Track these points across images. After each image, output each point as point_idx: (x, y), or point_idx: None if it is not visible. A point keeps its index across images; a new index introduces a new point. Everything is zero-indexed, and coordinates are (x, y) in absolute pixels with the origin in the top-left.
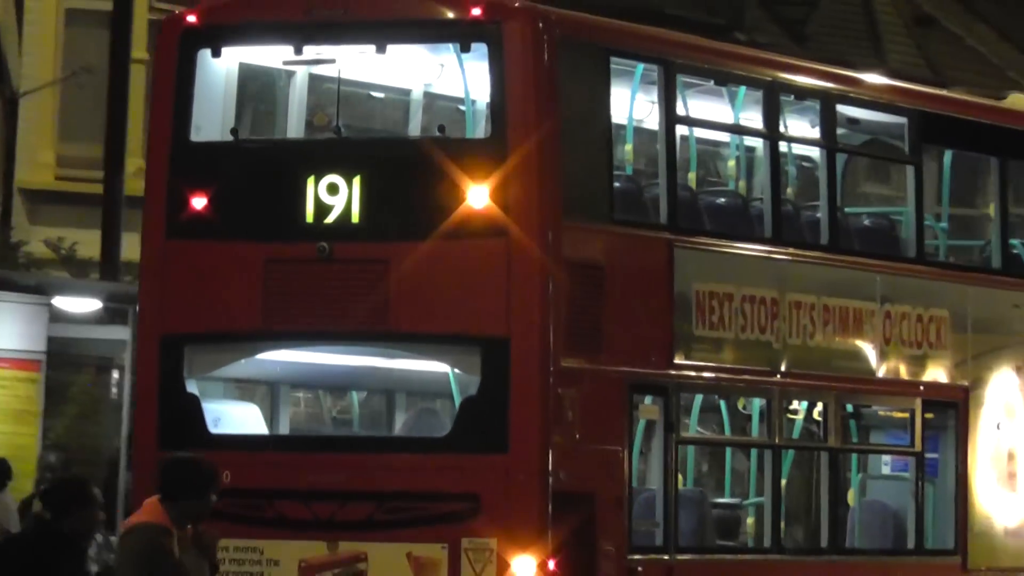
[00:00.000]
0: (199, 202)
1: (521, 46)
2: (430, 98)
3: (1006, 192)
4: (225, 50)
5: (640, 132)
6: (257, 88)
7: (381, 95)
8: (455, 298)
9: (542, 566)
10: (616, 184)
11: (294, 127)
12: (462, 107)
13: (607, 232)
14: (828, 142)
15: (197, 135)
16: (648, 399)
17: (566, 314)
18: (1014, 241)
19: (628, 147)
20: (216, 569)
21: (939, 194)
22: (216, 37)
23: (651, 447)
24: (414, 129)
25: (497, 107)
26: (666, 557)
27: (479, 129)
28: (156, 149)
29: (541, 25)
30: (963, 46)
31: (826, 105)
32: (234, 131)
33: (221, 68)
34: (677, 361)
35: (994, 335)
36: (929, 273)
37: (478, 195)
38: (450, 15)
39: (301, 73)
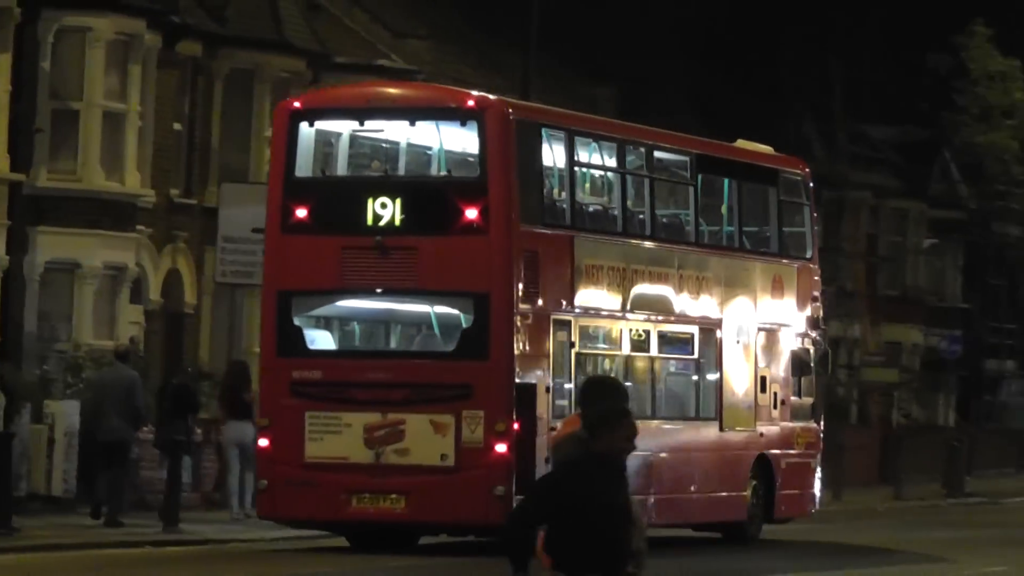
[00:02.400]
0: (301, 212)
1: (495, 124)
2: (442, 150)
3: (742, 199)
4: (316, 123)
5: (556, 170)
6: (324, 144)
7: (413, 148)
8: (457, 269)
9: (508, 426)
10: (544, 202)
11: (341, 166)
12: (459, 156)
13: (540, 232)
14: (649, 172)
15: (299, 172)
16: (560, 328)
17: (519, 279)
18: (747, 229)
19: (552, 179)
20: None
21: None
22: (311, 115)
23: (563, 356)
24: (432, 170)
25: (482, 158)
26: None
27: (471, 170)
28: (274, 180)
29: (508, 111)
30: (344, 27)
31: (648, 151)
32: (322, 170)
33: (310, 131)
34: (576, 306)
35: (735, 287)
36: (701, 251)
37: (471, 209)
38: (454, 105)
39: (344, 135)
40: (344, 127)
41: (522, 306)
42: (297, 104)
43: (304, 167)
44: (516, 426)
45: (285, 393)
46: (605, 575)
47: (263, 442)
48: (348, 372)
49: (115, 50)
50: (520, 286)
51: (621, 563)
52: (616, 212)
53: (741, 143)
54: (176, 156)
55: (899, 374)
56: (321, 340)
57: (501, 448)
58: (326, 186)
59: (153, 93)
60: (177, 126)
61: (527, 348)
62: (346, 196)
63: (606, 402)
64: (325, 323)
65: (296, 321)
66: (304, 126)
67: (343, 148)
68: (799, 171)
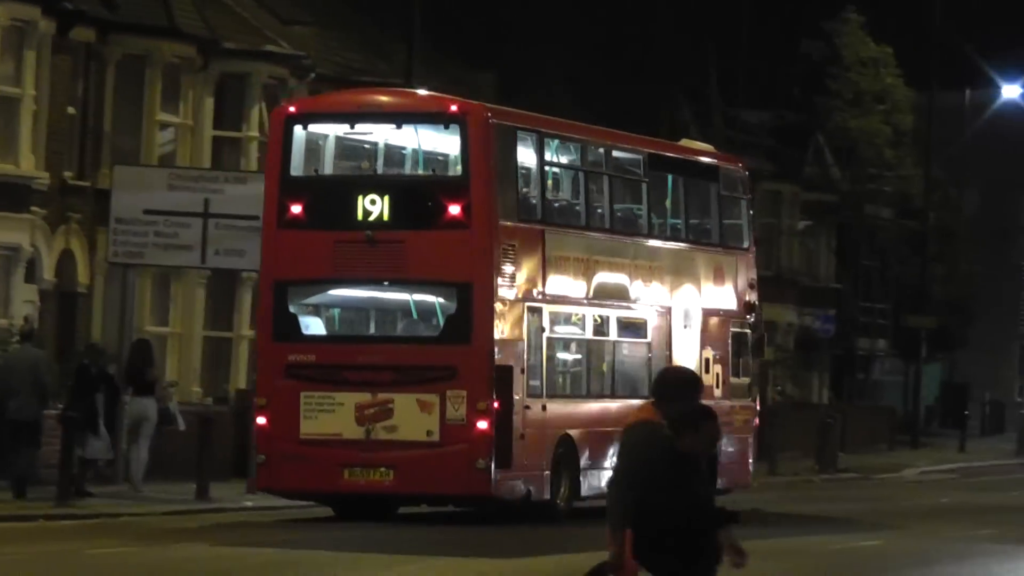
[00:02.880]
0: (296, 208)
1: (476, 127)
2: (426, 152)
3: (688, 194)
4: (309, 126)
5: (528, 169)
6: (317, 145)
7: (399, 150)
8: (442, 261)
9: (489, 405)
10: (518, 199)
11: (328, 165)
12: (442, 157)
13: (515, 226)
14: (607, 170)
15: (294, 171)
16: (533, 314)
17: (498, 270)
18: (692, 221)
19: (525, 177)
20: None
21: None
22: (305, 119)
23: (535, 340)
24: (418, 170)
25: (464, 158)
26: (543, 399)
27: (454, 170)
28: (271, 179)
29: (487, 115)
30: (233, 13)
31: (607, 151)
32: (315, 169)
33: (303, 134)
34: (546, 294)
35: (682, 276)
36: (653, 242)
37: (454, 206)
38: (438, 110)
39: (331, 136)
40: (336, 130)
41: (500, 294)
42: (292, 109)
43: (298, 167)
44: (496, 405)
45: (281, 375)
46: (688, 568)
47: (261, 420)
48: (340, 355)
49: (10, 36)
50: (499, 276)
51: (706, 559)
52: (580, 207)
53: (685, 142)
54: (70, 139)
55: (774, 352)
56: (315, 326)
57: (483, 425)
58: (319, 184)
59: (47, 78)
60: (71, 110)
61: (505, 333)
62: (338, 193)
63: (687, 401)
64: (318, 310)
65: (291, 308)
66: (298, 129)
67: (335, 149)
68: (737, 168)
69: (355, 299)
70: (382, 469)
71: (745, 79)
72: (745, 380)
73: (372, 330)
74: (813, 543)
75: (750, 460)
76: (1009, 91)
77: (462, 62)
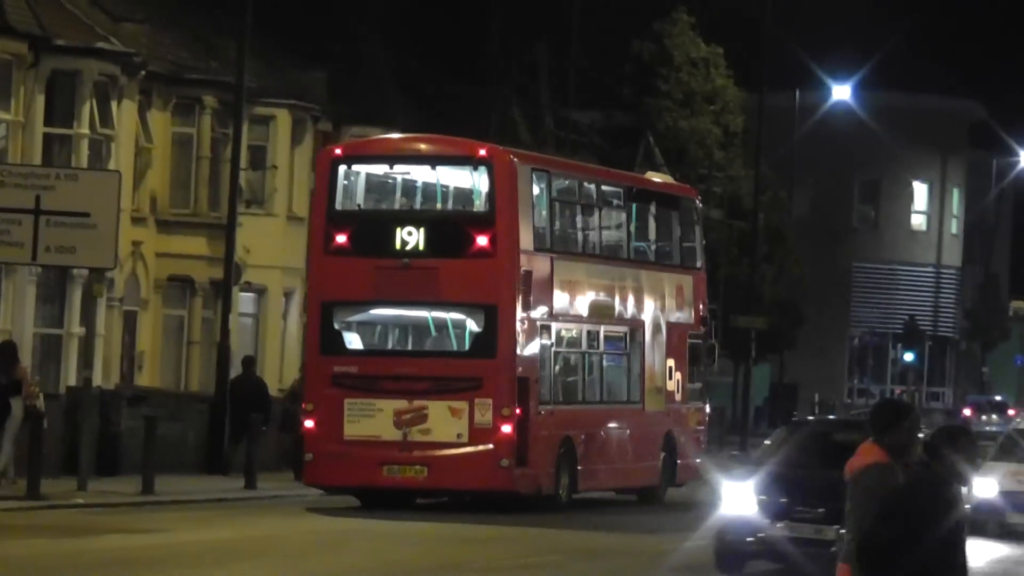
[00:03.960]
0: (341, 238)
1: (501, 169)
2: (456, 189)
3: (657, 221)
4: (353, 166)
5: (541, 203)
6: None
7: (433, 188)
8: (470, 285)
9: (512, 411)
10: (534, 230)
11: (370, 200)
12: (470, 194)
13: (532, 254)
14: (597, 203)
15: (339, 206)
16: (544, 331)
17: (518, 293)
18: (659, 245)
19: (538, 211)
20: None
21: (631, 224)
22: (349, 160)
23: (546, 354)
24: (449, 205)
25: (490, 195)
26: (551, 405)
27: (481, 206)
28: (318, 212)
29: (510, 158)
30: (65, 10)
31: (598, 185)
32: (358, 204)
33: (347, 172)
34: (555, 314)
35: (651, 294)
36: (631, 265)
37: (481, 237)
38: (468, 154)
39: (361, 174)
40: (376, 170)
41: (520, 315)
42: (338, 151)
43: (343, 201)
44: (517, 411)
45: (327, 384)
46: None
47: (309, 423)
48: (380, 367)
49: None
50: (519, 299)
51: None
52: (578, 236)
53: (650, 175)
54: None
55: None
56: (357, 341)
57: (506, 429)
58: (361, 217)
59: None
60: None
61: (523, 348)
62: (378, 225)
63: (900, 429)
64: (360, 327)
65: (336, 326)
66: (343, 168)
67: (376, 187)
68: (692, 197)
69: (393, 318)
70: (417, 467)
71: (575, 79)
72: (699, 385)
73: (408, 345)
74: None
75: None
76: (840, 92)
77: (293, 60)
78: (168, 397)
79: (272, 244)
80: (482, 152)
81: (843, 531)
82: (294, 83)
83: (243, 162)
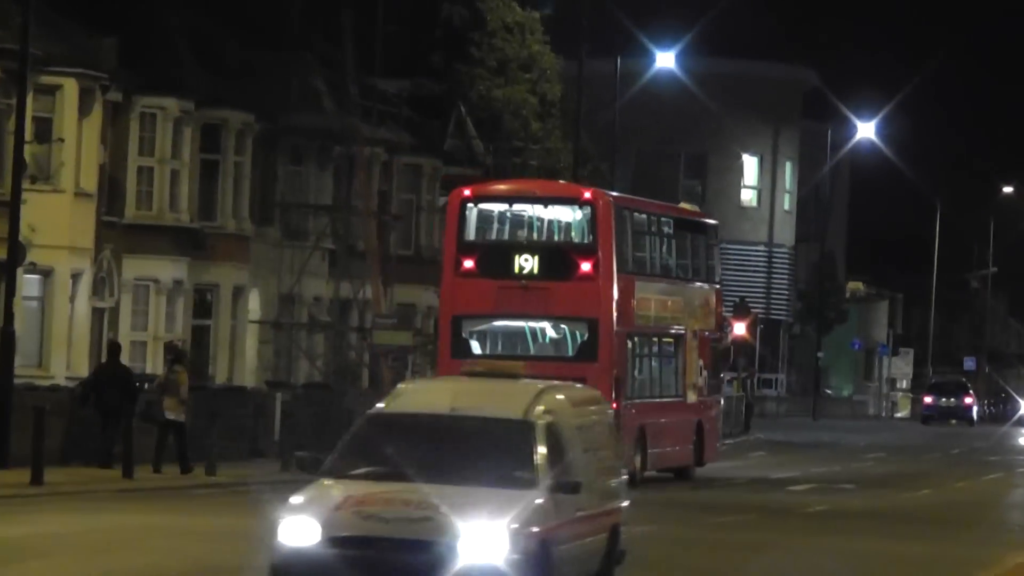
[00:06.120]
0: (468, 263)
1: (601, 207)
2: (564, 223)
3: (693, 245)
4: (479, 205)
5: (626, 234)
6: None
7: (545, 223)
8: (576, 302)
9: (610, 406)
10: (623, 257)
11: (493, 232)
12: (576, 228)
13: (624, 277)
14: (656, 232)
15: (467, 237)
16: (628, 339)
17: (614, 309)
18: (694, 264)
19: (625, 241)
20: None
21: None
22: (476, 200)
23: (630, 358)
24: (559, 237)
25: (592, 229)
26: (636, 400)
27: (585, 238)
28: (450, 242)
29: (608, 199)
30: None
31: (657, 217)
32: (484, 235)
33: (475, 210)
34: (635, 325)
35: (690, 305)
36: (678, 282)
37: (585, 263)
38: (575, 196)
39: (471, 211)
40: (499, 208)
41: (615, 327)
42: (467, 192)
43: (470, 233)
44: (615, 405)
45: None
46: None
47: None
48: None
49: None
50: (614, 313)
51: None
52: (647, 260)
53: (684, 205)
54: None
55: (412, 337)
56: (482, 347)
57: None
58: (486, 246)
59: None
60: None
61: (617, 354)
62: (500, 253)
63: None
64: (485, 336)
65: (464, 335)
66: (470, 206)
67: (498, 221)
68: (713, 222)
69: (512, 328)
70: None
71: (383, 45)
72: (716, 382)
73: (525, 351)
74: None
75: (718, 441)
76: (664, 59)
77: (83, 27)
78: None
79: (59, 222)
80: (587, 195)
81: None
82: (82, 51)
83: (27, 135)
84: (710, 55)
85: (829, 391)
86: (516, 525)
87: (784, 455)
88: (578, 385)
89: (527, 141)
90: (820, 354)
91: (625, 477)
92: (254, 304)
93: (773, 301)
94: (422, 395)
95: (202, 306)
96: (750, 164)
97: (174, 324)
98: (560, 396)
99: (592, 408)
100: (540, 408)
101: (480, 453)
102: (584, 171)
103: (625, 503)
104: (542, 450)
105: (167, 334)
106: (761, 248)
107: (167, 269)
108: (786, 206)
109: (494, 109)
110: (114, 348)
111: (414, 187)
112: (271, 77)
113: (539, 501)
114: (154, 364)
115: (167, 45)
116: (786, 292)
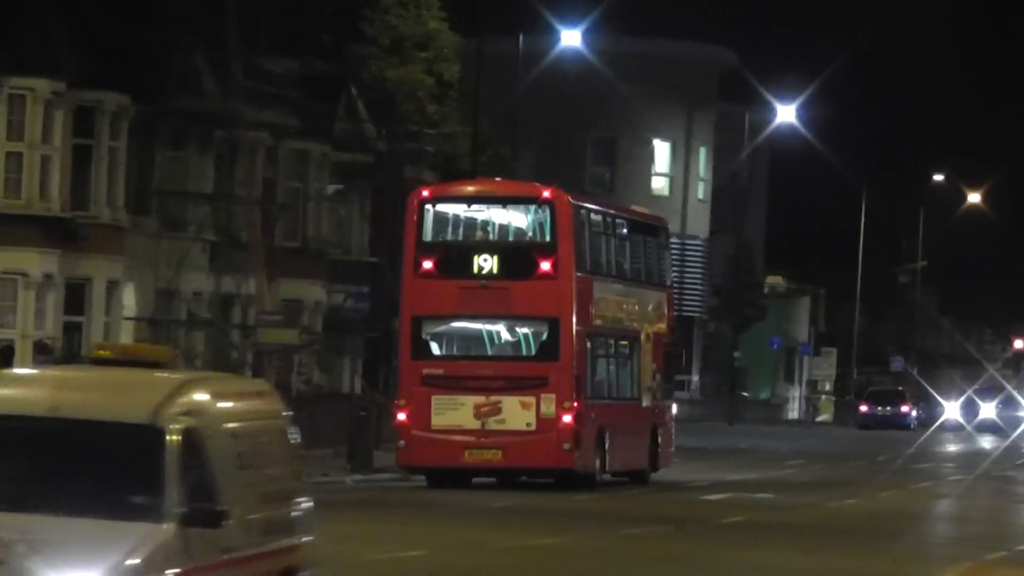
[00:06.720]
0: (427, 264)
1: (561, 207)
2: (524, 223)
3: (646, 247)
4: (437, 205)
5: (584, 234)
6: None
7: (504, 222)
8: (537, 302)
9: (571, 404)
10: (582, 257)
11: (429, 233)
12: (536, 228)
13: (581, 276)
14: (614, 233)
15: (426, 238)
16: (587, 339)
17: (574, 308)
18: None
19: (584, 241)
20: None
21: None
22: (435, 200)
23: (589, 358)
24: (518, 237)
25: (552, 229)
26: (595, 400)
27: (544, 237)
28: (409, 242)
29: (568, 199)
30: None
31: (613, 218)
32: (441, 236)
33: (433, 211)
34: (593, 325)
35: (644, 307)
36: (633, 284)
37: (545, 262)
38: (534, 195)
39: (429, 212)
40: (457, 209)
41: (575, 326)
42: (425, 193)
43: (429, 234)
44: (576, 404)
45: (418, 383)
46: None
47: (402, 416)
48: (462, 369)
49: None
50: (574, 312)
51: None
52: (602, 261)
53: (634, 207)
54: None
55: (299, 335)
56: (442, 348)
57: (567, 419)
58: (445, 246)
59: None
60: None
61: (577, 353)
62: (460, 254)
63: None
64: (445, 337)
65: (424, 336)
66: (429, 207)
67: (457, 222)
68: (664, 224)
69: (472, 329)
70: (493, 450)
71: (268, 22)
72: (670, 385)
73: (485, 351)
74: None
75: (672, 447)
76: (569, 37)
77: None
78: None
79: None
80: (546, 194)
81: None
82: None
83: None
84: (620, 33)
85: (746, 394)
86: (127, 573)
87: (700, 461)
88: (248, 379)
89: (423, 125)
90: (737, 354)
91: (310, 504)
92: (130, 299)
93: (686, 296)
94: (15, 388)
95: (74, 302)
96: (662, 150)
97: (44, 321)
98: (209, 393)
99: (260, 409)
100: (176, 408)
101: (86, 470)
102: (484, 157)
103: (307, 539)
104: (173, 466)
105: (37, 332)
106: (673, 240)
107: (36, 262)
108: (700, 195)
109: (387, 90)
110: (6, 352)
111: (301, 174)
112: (149, 56)
113: (164, 538)
114: (23, 364)
115: (37, 21)
116: (700, 287)
